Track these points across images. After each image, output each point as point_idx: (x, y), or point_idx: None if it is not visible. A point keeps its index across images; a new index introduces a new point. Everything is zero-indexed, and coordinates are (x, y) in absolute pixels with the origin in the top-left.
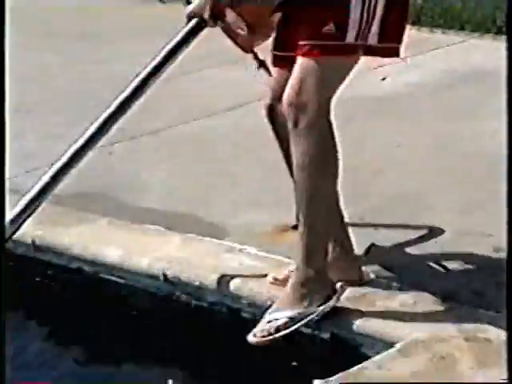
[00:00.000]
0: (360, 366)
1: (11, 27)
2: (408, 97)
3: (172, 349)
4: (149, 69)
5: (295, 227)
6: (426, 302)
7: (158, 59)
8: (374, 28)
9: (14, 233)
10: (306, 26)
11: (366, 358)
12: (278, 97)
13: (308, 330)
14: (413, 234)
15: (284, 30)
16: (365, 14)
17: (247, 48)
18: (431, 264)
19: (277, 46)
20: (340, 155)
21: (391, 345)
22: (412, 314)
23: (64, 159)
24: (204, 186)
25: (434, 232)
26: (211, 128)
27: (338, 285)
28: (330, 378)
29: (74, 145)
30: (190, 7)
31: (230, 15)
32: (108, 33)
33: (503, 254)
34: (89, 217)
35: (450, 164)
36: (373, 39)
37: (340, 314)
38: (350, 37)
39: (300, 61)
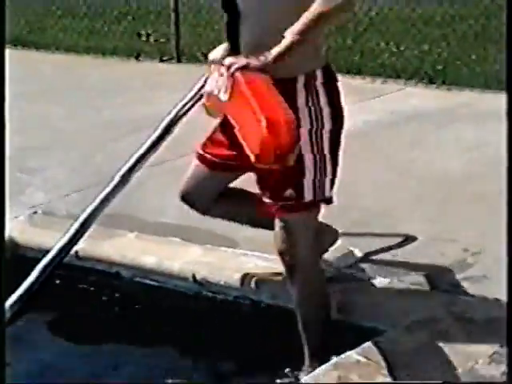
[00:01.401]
0: (375, 339)
1: (11, 80)
2: (365, 132)
3: (204, 337)
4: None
5: None
6: (413, 292)
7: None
8: (327, 184)
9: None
10: (267, 187)
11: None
12: (194, 191)
13: None
14: (392, 241)
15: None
16: (318, 174)
17: None
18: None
19: (217, 155)
20: None
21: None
22: (407, 300)
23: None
24: None
25: (409, 238)
26: None
27: None
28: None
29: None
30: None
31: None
32: (100, 85)
33: (469, 254)
34: (118, 232)
35: (409, 184)
36: (328, 192)
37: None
38: (308, 195)
39: (277, 222)
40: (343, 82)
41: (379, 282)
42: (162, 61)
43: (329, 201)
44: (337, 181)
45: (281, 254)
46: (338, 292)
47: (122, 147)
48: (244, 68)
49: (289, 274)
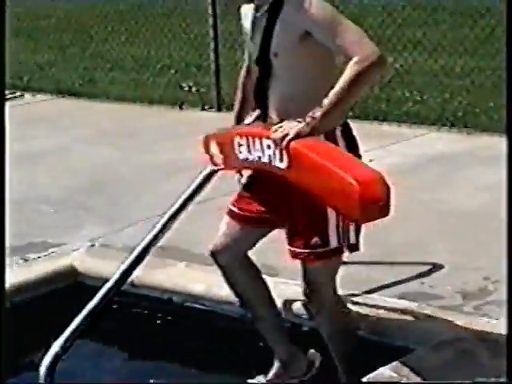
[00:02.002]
0: (405, 357)
1: (67, 126)
2: (393, 173)
3: (245, 355)
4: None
5: None
6: (439, 314)
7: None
8: (352, 230)
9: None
10: (295, 236)
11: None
12: (224, 247)
13: None
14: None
15: (266, 202)
16: (340, 220)
17: None
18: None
19: (248, 210)
20: None
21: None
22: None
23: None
24: None
25: (436, 266)
26: None
27: None
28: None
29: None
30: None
31: None
32: (148, 131)
33: (490, 282)
34: (170, 262)
35: (434, 219)
36: (352, 238)
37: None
38: (334, 242)
39: (304, 267)
40: (372, 128)
41: (409, 305)
42: (203, 109)
43: (354, 247)
44: None
45: (307, 297)
46: (371, 315)
47: (170, 187)
48: (297, 137)
49: (316, 316)
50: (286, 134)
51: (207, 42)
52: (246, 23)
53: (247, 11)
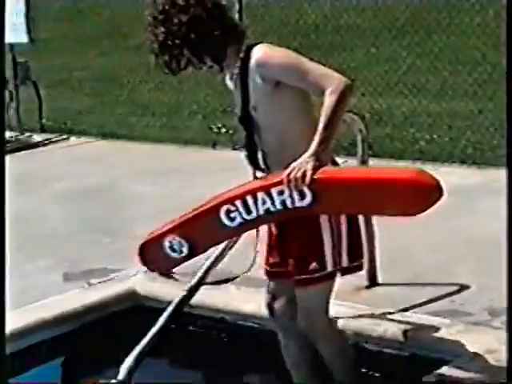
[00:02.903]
0: (443, 368)
1: (109, 165)
2: None
3: None
4: None
5: (368, 287)
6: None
7: None
8: (344, 254)
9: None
10: (296, 264)
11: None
12: (271, 300)
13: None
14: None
15: (278, 254)
16: (335, 250)
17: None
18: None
19: (272, 265)
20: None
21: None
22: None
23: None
24: None
25: (464, 286)
26: None
27: None
28: None
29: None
30: None
31: None
32: (185, 168)
33: None
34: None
35: (455, 245)
36: (345, 262)
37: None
38: (330, 266)
39: (297, 292)
40: (389, 165)
41: (442, 322)
42: (234, 149)
43: (346, 271)
44: (394, 244)
45: (301, 320)
46: (409, 331)
47: None
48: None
49: (312, 338)
50: (304, 173)
51: None
52: (230, 87)
53: (226, 77)
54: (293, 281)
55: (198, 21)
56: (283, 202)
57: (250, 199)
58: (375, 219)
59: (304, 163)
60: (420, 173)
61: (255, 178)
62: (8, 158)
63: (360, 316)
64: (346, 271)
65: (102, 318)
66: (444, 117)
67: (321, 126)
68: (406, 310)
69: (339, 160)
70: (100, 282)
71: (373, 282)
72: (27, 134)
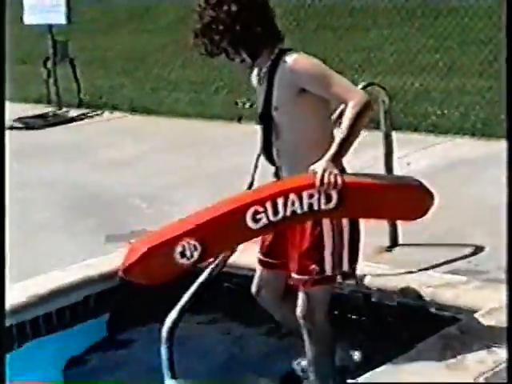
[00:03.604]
0: (462, 322)
1: (139, 138)
2: (426, 173)
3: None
4: None
5: (389, 248)
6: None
7: None
8: (345, 259)
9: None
10: (295, 262)
11: None
12: (260, 288)
13: None
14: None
15: (277, 245)
16: (336, 254)
17: None
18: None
19: (267, 255)
20: None
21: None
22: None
23: None
24: None
25: (478, 247)
26: None
27: None
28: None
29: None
30: None
31: None
32: (212, 141)
33: None
34: None
35: (467, 210)
36: (345, 267)
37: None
38: (328, 270)
39: (300, 293)
40: (405, 137)
41: (460, 279)
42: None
43: (347, 275)
44: None
45: (302, 318)
46: (429, 288)
47: (237, 187)
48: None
49: (307, 335)
50: (335, 178)
51: None
52: (254, 83)
53: (253, 73)
54: (293, 279)
55: (246, 14)
56: (310, 205)
57: (280, 201)
58: None
59: (329, 168)
60: (421, 183)
61: (276, 175)
62: (47, 131)
63: (383, 274)
64: (346, 275)
65: None
66: (454, 93)
67: (341, 134)
68: (425, 269)
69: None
70: None
71: (394, 242)
72: (65, 108)
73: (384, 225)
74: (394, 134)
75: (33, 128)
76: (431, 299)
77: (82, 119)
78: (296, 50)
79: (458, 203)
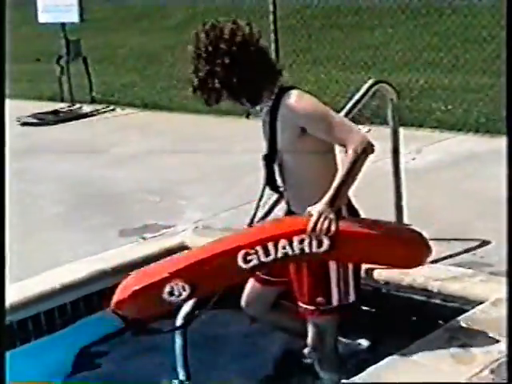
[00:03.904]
0: (466, 314)
1: (153, 134)
2: (431, 168)
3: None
4: None
5: None
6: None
7: None
8: (351, 288)
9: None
10: (302, 293)
11: None
12: (251, 301)
13: None
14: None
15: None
16: (341, 281)
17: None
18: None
19: (266, 273)
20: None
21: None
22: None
23: None
24: None
25: (484, 242)
26: None
27: None
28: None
29: None
30: None
31: None
32: (222, 137)
33: None
34: None
35: (472, 204)
36: (352, 296)
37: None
38: (335, 301)
39: (309, 322)
40: (410, 133)
41: (465, 272)
42: None
43: (354, 306)
44: (418, 204)
45: (311, 347)
46: (436, 280)
47: (247, 182)
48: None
49: (317, 362)
50: (329, 225)
51: None
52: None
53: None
54: (301, 308)
55: (240, 66)
56: (302, 249)
57: (271, 245)
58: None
59: (326, 212)
60: (419, 234)
61: (289, 212)
62: (61, 127)
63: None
64: (354, 306)
65: None
66: (458, 90)
67: (336, 181)
68: (432, 262)
69: (367, 127)
70: (153, 237)
71: None
72: (78, 105)
73: (391, 219)
74: (400, 130)
75: (46, 124)
76: (438, 291)
77: (94, 115)
78: (295, 87)
79: (462, 198)
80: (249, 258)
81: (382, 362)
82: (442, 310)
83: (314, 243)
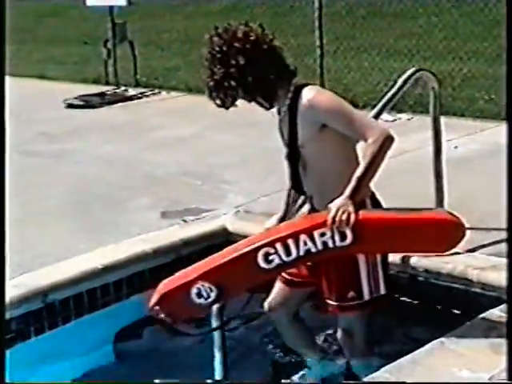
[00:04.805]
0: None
1: (200, 120)
2: (474, 157)
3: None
4: None
5: None
6: None
7: None
8: (381, 281)
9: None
10: (333, 289)
11: None
12: (277, 305)
13: None
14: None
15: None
16: (371, 280)
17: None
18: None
19: (293, 274)
20: None
21: None
22: None
23: None
24: None
25: None
26: None
27: None
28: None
29: None
30: None
31: None
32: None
33: None
34: None
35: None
36: (382, 289)
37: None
38: (366, 295)
39: (339, 318)
40: (452, 122)
41: (504, 262)
42: None
43: (385, 298)
44: (459, 193)
45: (342, 343)
46: (475, 269)
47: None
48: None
49: (347, 354)
50: (348, 216)
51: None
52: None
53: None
54: (331, 305)
55: (255, 64)
56: (324, 243)
57: (291, 242)
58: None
59: (345, 205)
60: (447, 213)
61: (312, 210)
62: (106, 109)
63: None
64: (385, 298)
65: (196, 251)
66: (501, 80)
67: (357, 173)
68: (471, 250)
69: (409, 115)
70: (194, 220)
71: None
72: (123, 88)
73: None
74: (442, 119)
75: (92, 106)
76: (477, 280)
77: (139, 98)
78: (311, 84)
79: (503, 187)
80: (270, 257)
81: (419, 350)
82: (479, 300)
83: (337, 237)
